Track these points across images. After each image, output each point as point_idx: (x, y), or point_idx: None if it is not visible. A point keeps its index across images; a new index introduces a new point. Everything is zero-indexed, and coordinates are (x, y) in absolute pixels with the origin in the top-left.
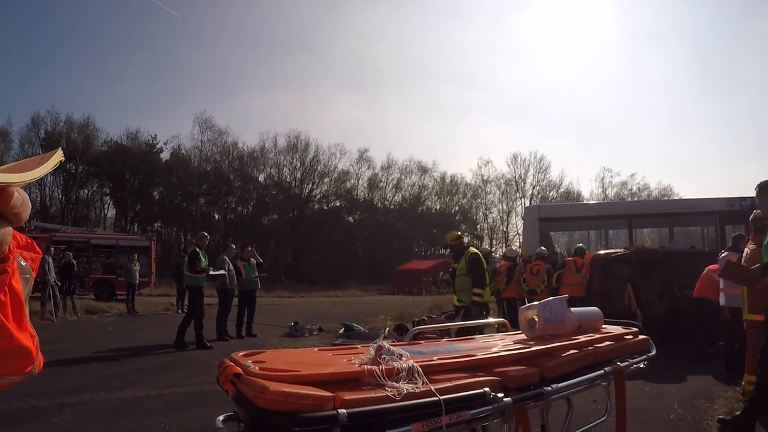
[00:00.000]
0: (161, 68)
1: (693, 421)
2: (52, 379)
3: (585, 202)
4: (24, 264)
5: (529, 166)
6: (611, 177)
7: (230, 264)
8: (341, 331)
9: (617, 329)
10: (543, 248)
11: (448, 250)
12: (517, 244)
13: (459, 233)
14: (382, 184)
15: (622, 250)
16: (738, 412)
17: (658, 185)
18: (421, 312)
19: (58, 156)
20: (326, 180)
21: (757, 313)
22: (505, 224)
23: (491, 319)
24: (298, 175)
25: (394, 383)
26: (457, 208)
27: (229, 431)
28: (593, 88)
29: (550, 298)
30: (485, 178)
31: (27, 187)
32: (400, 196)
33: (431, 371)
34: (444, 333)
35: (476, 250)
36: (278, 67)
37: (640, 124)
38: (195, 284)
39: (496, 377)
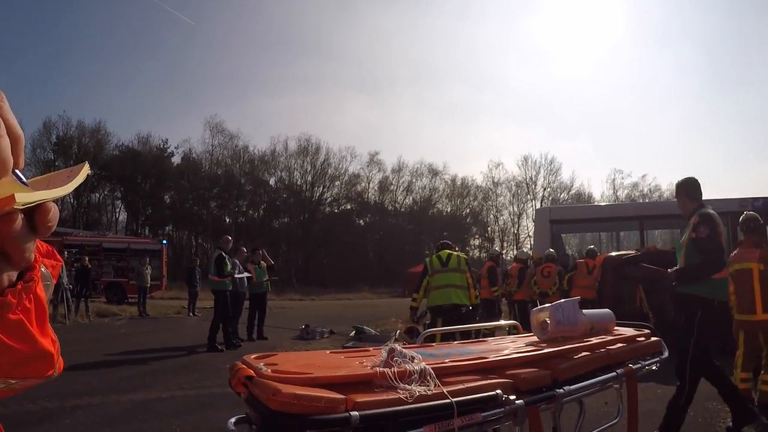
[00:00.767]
0: (172, 72)
1: (705, 424)
2: (64, 381)
3: (596, 203)
4: (45, 271)
5: (539, 168)
6: (622, 178)
7: (241, 267)
8: (352, 333)
9: (629, 331)
10: (551, 249)
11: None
12: (528, 246)
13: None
14: (392, 186)
15: (633, 252)
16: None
17: (670, 186)
18: None
19: (86, 170)
20: (337, 183)
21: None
22: (516, 226)
23: (503, 322)
24: (309, 178)
25: (406, 385)
26: (468, 210)
27: None
28: (604, 89)
29: (562, 300)
30: (496, 180)
31: None
32: (410, 198)
33: (443, 373)
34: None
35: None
36: (289, 70)
37: (651, 125)
38: (221, 288)
39: (508, 379)
